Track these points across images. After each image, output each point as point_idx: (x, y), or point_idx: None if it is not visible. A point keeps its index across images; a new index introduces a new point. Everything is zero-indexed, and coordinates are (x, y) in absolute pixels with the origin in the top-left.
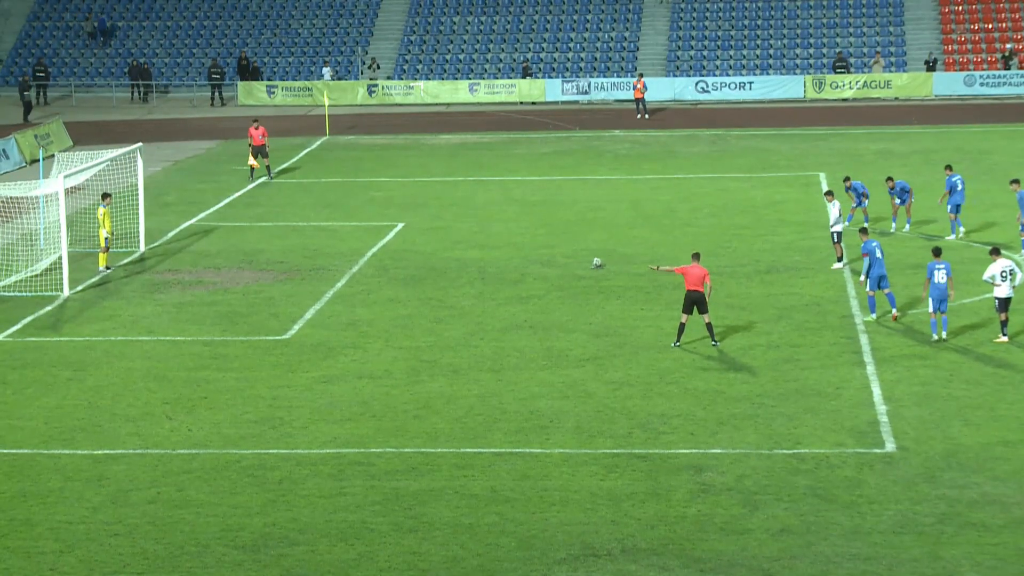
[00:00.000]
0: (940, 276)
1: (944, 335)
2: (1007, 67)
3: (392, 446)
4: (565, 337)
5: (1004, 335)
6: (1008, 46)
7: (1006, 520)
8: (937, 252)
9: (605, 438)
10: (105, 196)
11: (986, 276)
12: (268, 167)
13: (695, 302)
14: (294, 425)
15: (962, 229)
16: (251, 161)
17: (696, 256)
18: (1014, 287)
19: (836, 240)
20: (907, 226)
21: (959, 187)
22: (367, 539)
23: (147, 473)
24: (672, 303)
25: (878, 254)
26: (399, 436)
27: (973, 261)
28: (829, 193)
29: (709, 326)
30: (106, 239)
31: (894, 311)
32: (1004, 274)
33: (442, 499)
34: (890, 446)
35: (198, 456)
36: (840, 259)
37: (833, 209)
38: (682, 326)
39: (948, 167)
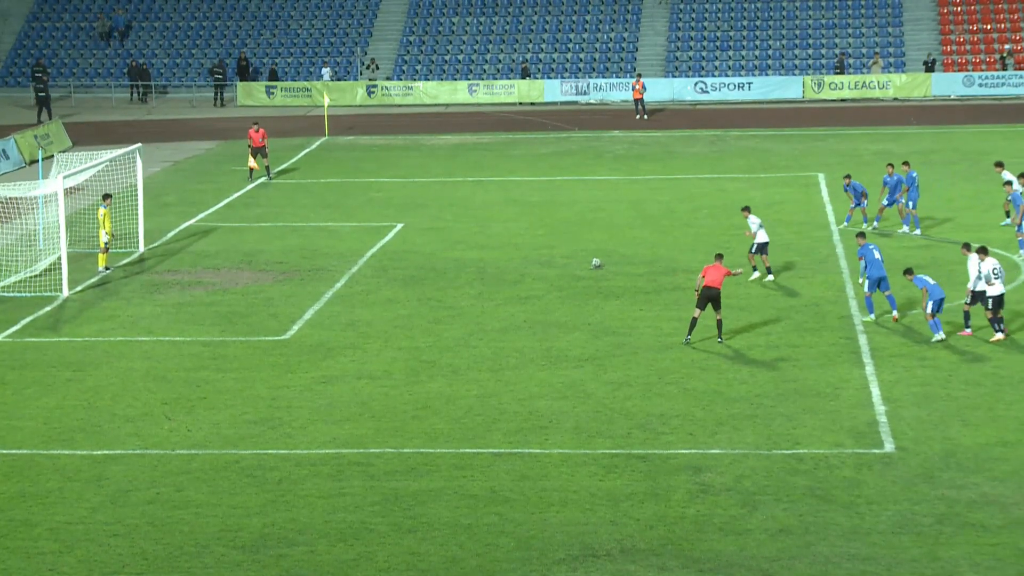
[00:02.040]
0: (933, 283)
1: (943, 335)
2: (1005, 67)
3: (391, 446)
4: (564, 337)
5: (1002, 333)
6: (1007, 47)
7: (1005, 520)
8: (910, 272)
9: (604, 438)
10: (106, 197)
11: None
12: (267, 168)
13: (711, 299)
14: (293, 425)
15: (904, 229)
16: (251, 162)
17: (719, 257)
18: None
19: (754, 251)
20: (905, 227)
21: (916, 182)
22: (366, 539)
23: (146, 473)
24: (671, 304)
25: (876, 255)
26: (398, 436)
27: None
28: (746, 208)
29: (719, 323)
30: (106, 240)
31: (895, 313)
32: (997, 272)
33: (441, 499)
34: (889, 446)
35: (197, 456)
36: (769, 270)
37: (751, 223)
38: (694, 320)
39: (905, 163)
